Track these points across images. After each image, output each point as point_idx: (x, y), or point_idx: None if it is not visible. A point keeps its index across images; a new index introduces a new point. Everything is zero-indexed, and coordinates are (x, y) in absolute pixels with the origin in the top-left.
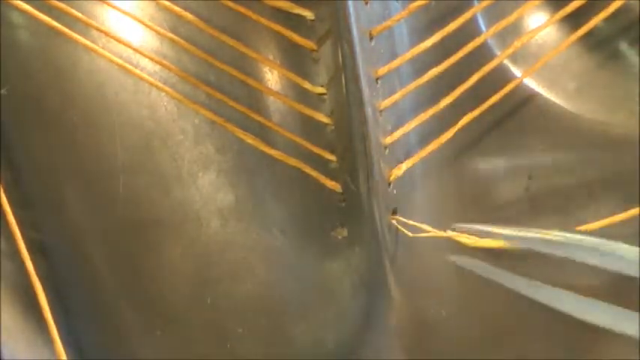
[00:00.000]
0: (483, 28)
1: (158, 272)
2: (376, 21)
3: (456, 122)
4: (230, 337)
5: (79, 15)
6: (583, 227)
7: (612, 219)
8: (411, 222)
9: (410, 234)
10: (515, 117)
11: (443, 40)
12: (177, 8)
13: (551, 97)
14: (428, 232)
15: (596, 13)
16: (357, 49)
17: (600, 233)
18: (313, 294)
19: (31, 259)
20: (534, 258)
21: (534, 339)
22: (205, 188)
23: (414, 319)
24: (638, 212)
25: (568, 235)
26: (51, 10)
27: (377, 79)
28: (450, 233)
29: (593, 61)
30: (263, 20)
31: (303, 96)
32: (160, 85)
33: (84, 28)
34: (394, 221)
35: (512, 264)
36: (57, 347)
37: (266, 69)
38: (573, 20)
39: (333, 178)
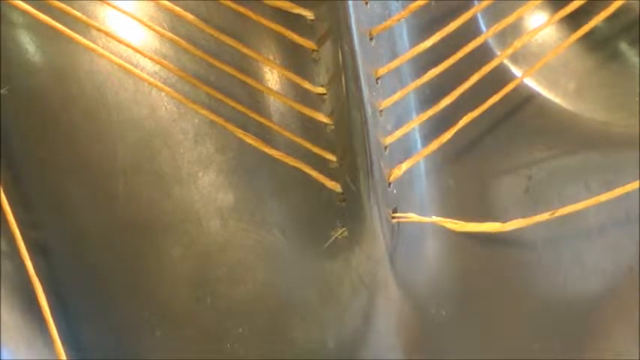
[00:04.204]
0: (483, 28)
1: (158, 272)
2: (376, 21)
3: (456, 122)
4: (230, 337)
5: (79, 15)
6: (567, 209)
7: (598, 198)
8: (410, 214)
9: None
10: (515, 117)
11: (443, 40)
12: (177, 8)
13: (551, 97)
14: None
15: (596, 13)
16: (357, 49)
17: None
18: (313, 294)
19: (31, 259)
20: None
21: (534, 339)
22: (205, 188)
23: (414, 319)
24: (621, 192)
25: None
26: (51, 10)
27: (377, 79)
28: (435, 219)
29: (593, 61)
30: (263, 20)
31: (303, 96)
32: (160, 85)
33: (84, 28)
34: (394, 221)
35: (507, 252)
36: (57, 347)
37: (266, 69)
38: (573, 20)
39: (333, 178)
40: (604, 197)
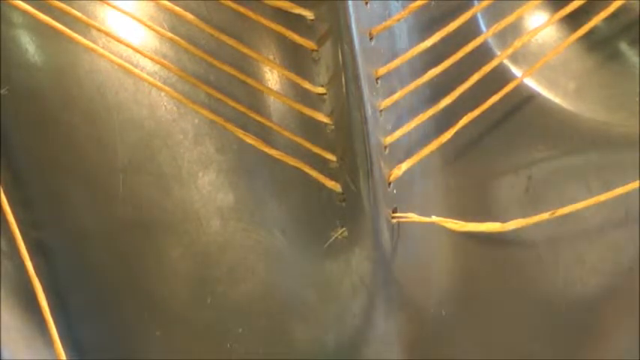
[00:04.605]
0: (483, 28)
1: (158, 272)
2: (376, 21)
3: (456, 122)
4: (230, 337)
5: (79, 15)
6: (567, 208)
7: (597, 198)
8: (410, 214)
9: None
10: (515, 117)
11: (443, 40)
12: (177, 8)
13: (551, 97)
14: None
15: (596, 13)
16: (357, 49)
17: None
18: (313, 294)
19: (31, 259)
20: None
21: (534, 339)
22: (205, 188)
23: (414, 319)
24: (621, 192)
25: None
26: (51, 10)
27: (377, 79)
28: (435, 219)
29: (593, 61)
30: (263, 20)
31: (303, 96)
32: (160, 85)
33: (84, 28)
34: (394, 221)
35: (507, 252)
36: (57, 347)
37: (266, 69)
38: (573, 20)
39: (333, 178)
40: (604, 197)
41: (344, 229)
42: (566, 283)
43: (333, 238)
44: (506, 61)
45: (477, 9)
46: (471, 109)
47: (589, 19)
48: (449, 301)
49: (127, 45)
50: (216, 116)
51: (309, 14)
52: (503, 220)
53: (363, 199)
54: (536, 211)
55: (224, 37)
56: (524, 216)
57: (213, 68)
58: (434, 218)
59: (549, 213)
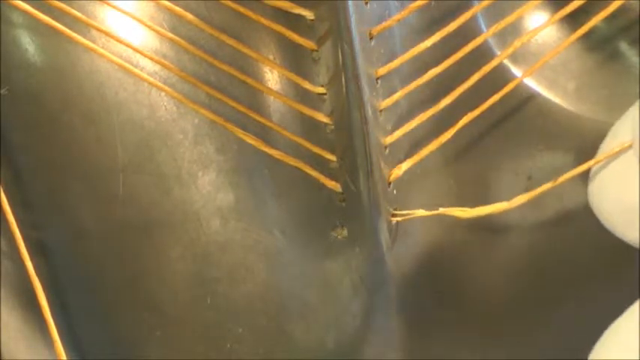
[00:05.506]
0: (483, 28)
1: (158, 272)
2: (376, 21)
3: (456, 122)
4: (230, 337)
5: (79, 15)
6: (568, 174)
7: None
8: (408, 211)
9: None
10: (515, 117)
11: (443, 40)
12: (177, 8)
13: (551, 97)
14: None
15: (596, 13)
16: (357, 49)
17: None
18: (313, 294)
19: (31, 259)
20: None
21: (535, 339)
22: (205, 188)
23: (414, 319)
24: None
25: None
26: (51, 10)
27: (377, 79)
28: (442, 210)
29: (593, 61)
30: (263, 20)
31: (303, 96)
32: (160, 85)
33: (84, 28)
34: (394, 220)
35: (508, 253)
36: (57, 347)
37: (266, 69)
38: (573, 20)
39: (333, 178)
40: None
41: (344, 229)
42: (566, 283)
43: (333, 238)
44: (506, 61)
45: (476, 9)
46: (471, 109)
47: (589, 19)
48: (449, 301)
49: (127, 45)
50: (216, 116)
51: (309, 14)
52: (504, 220)
53: (363, 199)
54: (535, 212)
55: (224, 37)
56: (523, 216)
57: (213, 68)
58: (440, 210)
59: (551, 182)
